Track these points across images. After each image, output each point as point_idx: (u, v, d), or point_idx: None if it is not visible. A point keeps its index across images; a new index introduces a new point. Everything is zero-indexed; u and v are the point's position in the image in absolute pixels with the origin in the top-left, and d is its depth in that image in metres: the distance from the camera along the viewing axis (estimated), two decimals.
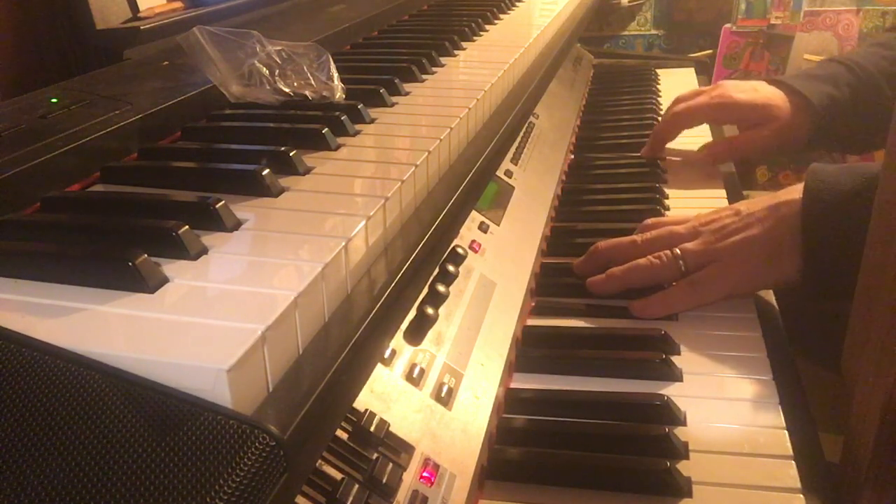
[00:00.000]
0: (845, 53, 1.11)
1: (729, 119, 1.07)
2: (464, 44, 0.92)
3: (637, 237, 0.78)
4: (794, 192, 0.72)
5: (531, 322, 0.74)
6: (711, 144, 1.08)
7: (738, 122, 1.05)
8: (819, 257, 0.68)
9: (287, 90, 0.63)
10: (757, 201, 0.74)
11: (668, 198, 0.96)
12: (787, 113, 0.99)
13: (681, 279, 0.73)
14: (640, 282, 0.75)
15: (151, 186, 0.50)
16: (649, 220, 0.81)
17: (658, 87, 1.43)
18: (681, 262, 0.73)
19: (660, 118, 1.25)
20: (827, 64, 1.06)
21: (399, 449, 0.49)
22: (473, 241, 0.73)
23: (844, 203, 0.67)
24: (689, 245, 0.74)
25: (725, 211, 0.76)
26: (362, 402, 0.49)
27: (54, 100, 0.59)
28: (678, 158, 1.08)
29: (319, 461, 0.43)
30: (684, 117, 1.05)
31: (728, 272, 0.72)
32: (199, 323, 0.34)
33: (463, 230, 0.71)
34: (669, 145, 1.08)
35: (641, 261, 0.75)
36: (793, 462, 0.54)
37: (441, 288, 0.62)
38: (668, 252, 0.74)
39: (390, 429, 0.49)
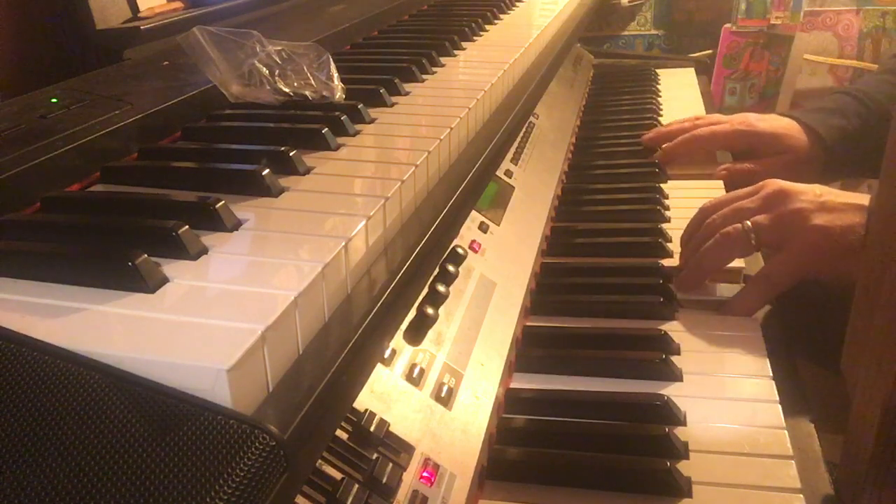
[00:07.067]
0: (854, 84, 1.11)
1: (748, 147, 1.05)
2: (464, 44, 0.92)
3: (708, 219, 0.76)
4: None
5: (531, 322, 0.74)
6: (732, 166, 1.04)
7: (756, 151, 1.04)
8: None
9: (287, 90, 0.63)
10: (837, 192, 0.73)
11: (668, 198, 0.96)
12: (804, 144, 1.00)
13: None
14: (717, 265, 0.74)
15: (151, 186, 0.50)
16: (706, 203, 0.79)
17: (658, 87, 1.43)
18: (752, 235, 0.72)
19: (660, 118, 1.25)
20: (837, 96, 1.06)
21: (399, 449, 0.49)
22: (473, 241, 0.73)
23: None
24: (761, 219, 0.72)
25: (800, 188, 0.73)
26: (362, 402, 0.49)
27: (54, 100, 0.59)
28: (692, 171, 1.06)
29: (319, 461, 0.43)
30: (706, 140, 1.04)
31: (800, 260, 0.71)
32: (199, 323, 0.34)
33: (463, 230, 0.71)
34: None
35: (709, 244, 0.74)
36: (793, 462, 0.54)
37: (441, 288, 0.62)
38: (737, 226, 0.72)
39: (390, 429, 0.49)
